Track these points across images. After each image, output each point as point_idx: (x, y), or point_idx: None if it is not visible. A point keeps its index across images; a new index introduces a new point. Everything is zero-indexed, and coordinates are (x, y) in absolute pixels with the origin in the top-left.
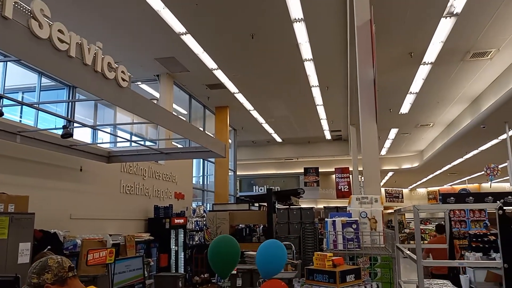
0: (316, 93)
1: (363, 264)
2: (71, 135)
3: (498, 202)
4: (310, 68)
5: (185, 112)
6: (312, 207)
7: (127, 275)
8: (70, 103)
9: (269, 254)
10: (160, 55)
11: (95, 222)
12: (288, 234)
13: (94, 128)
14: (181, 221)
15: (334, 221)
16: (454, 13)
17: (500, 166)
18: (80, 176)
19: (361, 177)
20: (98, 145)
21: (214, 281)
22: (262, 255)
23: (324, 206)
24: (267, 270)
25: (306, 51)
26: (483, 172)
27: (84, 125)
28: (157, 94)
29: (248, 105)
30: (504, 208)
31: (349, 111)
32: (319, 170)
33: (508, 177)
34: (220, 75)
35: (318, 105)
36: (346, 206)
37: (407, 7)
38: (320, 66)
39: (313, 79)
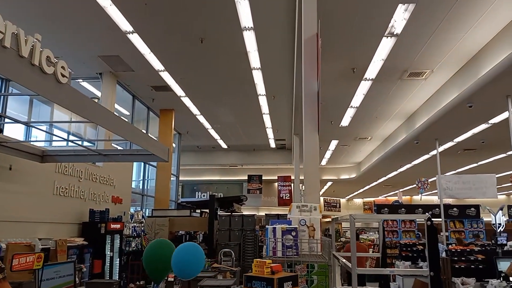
0: (263, 101)
1: (301, 271)
2: (1, 131)
3: (427, 213)
4: (258, 77)
5: (128, 113)
6: (254, 214)
7: (56, 282)
8: (1, 97)
9: (185, 259)
10: (104, 52)
11: (23, 225)
12: (228, 241)
13: (28, 124)
14: (118, 226)
15: (274, 228)
16: (395, 33)
17: (430, 180)
18: (9, 175)
19: (301, 185)
20: (31, 143)
21: None
22: (178, 258)
23: (265, 214)
24: (184, 273)
25: (254, 59)
26: (415, 185)
27: (16, 121)
28: (98, 93)
29: (194, 110)
30: (432, 219)
31: (294, 121)
32: (263, 178)
33: (436, 191)
34: (167, 77)
35: (264, 113)
36: (287, 214)
37: (352, 24)
38: (268, 76)
39: (260, 88)
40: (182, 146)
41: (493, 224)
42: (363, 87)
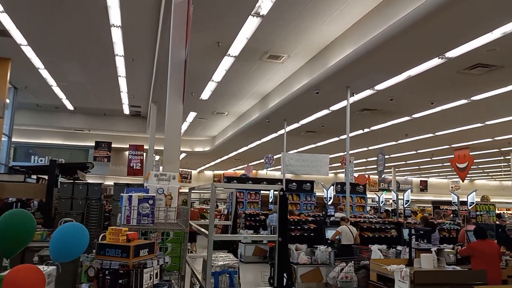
0: (120, 63)
1: (156, 239)
2: None
3: (277, 185)
4: (116, 35)
5: None
6: (100, 183)
7: None
8: None
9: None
10: None
11: None
12: (70, 210)
13: None
14: None
15: (130, 196)
16: (260, 14)
17: (275, 157)
18: None
19: (155, 155)
20: None
21: None
22: (63, 239)
23: (114, 183)
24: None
25: (115, 16)
26: (262, 160)
27: None
28: None
29: (37, 62)
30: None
31: (153, 88)
32: (112, 145)
33: (280, 166)
34: (5, 19)
35: (120, 76)
36: (137, 184)
37: None
38: (128, 36)
39: (119, 48)
40: (17, 103)
41: (325, 198)
42: (226, 63)
